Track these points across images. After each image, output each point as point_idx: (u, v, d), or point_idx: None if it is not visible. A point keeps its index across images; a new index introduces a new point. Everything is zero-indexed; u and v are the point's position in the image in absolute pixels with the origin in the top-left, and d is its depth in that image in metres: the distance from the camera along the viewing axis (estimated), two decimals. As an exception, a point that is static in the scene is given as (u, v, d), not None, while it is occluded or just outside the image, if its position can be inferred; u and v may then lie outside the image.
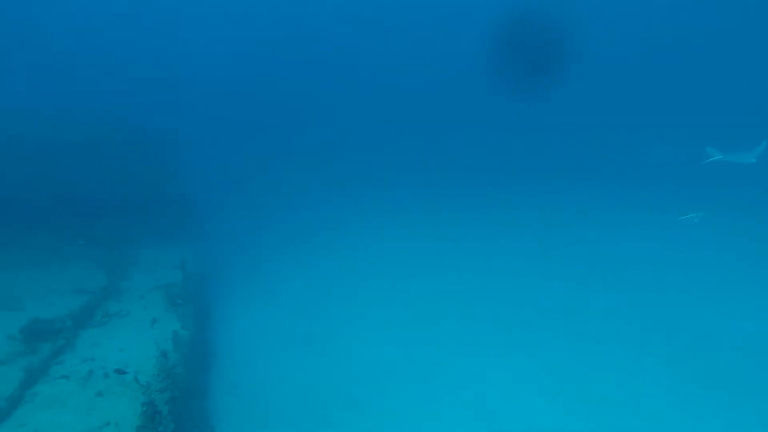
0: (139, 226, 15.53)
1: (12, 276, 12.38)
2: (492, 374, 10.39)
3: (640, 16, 44.51)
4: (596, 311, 13.68)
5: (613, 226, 23.10)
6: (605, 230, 22.65)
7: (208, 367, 10.22)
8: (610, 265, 17.85)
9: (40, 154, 16.13)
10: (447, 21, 44.53)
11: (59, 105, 18.38)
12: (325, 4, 41.31)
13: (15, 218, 15.16)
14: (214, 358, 11.02)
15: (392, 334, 12.58)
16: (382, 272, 18.28)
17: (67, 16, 34.68)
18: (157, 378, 5.75)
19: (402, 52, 48.92)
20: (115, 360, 7.09)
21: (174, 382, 5.82)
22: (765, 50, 41.43)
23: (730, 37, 42.41)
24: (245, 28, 42.75)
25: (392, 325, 13.14)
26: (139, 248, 14.80)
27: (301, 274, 18.34)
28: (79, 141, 16.75)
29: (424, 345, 11.86)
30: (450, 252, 20.59)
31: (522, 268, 17.84)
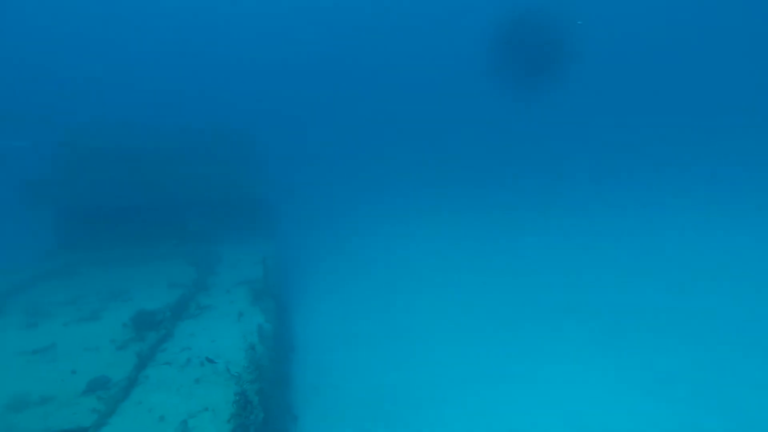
0: (222, 224, 16.78)
1: (121, 271, 13.91)
2: (585, 378, 10.02)
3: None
4: (698, 311, 12.78)
5: (709, 223, 21.43)
6: (702, 227, 21.07)
7: (288, 360, 10.86)
8: (708, 263, 16.59)
9: (138, 162, 17.85)
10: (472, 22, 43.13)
11: (151, 114, 20.07)
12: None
13: (121, 221, 17.01)
14: (293, 351, 11.69)
15: (467, 332, 12.56)
16: (449, 269, 18.31)
17: (160, 32, 37.83)
18: (247, 369, 6.25)
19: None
20: (208, 350, 7.77)
21: (261, 374, 6.31)
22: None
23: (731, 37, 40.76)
24: (324, 34, 44.11)
25: (466, 323, 13.12)
26: (223, 245, 15.99)
27: (369, 271, 18.86)
28: (171, 148, 18.32)
29: (503, 345, 11.72)
30: (526, 250, 20.14)
31: (603, 266, 17.05)
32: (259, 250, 15.78)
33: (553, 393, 9.35)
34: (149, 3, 35.34)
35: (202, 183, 17.74)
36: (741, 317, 12.47)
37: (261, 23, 41.05)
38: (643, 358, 10.52)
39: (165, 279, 12.74)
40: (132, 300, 11.16)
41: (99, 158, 17.67)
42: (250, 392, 5.24)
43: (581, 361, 10.51)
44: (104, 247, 16.60)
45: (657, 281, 15.64)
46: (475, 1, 39.33)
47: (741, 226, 22.08)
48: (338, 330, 13.31)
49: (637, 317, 12.78)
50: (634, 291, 14.85)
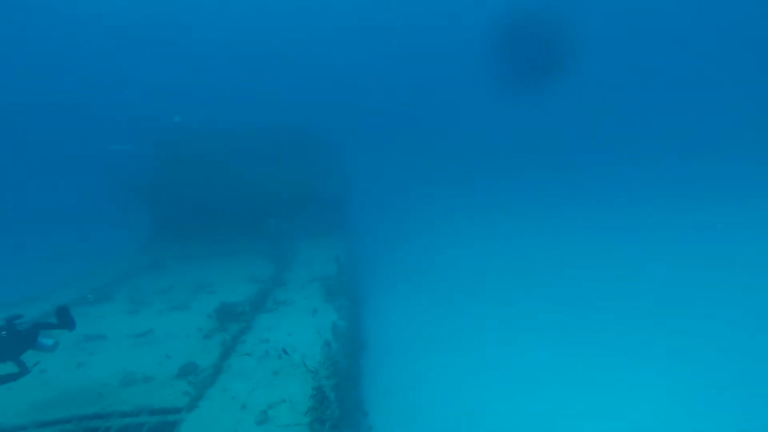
0: (298, 222, 17.48)
1: (205, 265, 14.94)
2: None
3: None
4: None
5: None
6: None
7: (359, 356, 11.08)
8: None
9: (221, 164, 19.07)
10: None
11: (234, 117, 21.32)
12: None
13: (206, 219, 18.29)
14: (364, 348, 11.90)
15: (536, 334, 12.10)
16: (526, 268, 17.81)
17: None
18: (324, 365, 6.46)
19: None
20: (285, 343, 8.11)
21: (337, 370, 6.50)
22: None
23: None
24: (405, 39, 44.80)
25: (534, 325, 12.65)
26: (298, 242, 16.66)
27: (438, 270, 18.76)
28: (252, 150, 19.37)
29: (576, 347, 11.14)
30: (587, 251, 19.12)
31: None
32: (332, 248, 16.24)
33: (628, 398, 8.80)
34: (230, 10, 37.66)
35: (279, 183, 18.62)
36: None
37: (335, 28, 42.33)
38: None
39: (245, 274, 13.52)
40: (215, 293, 11.96)
41: (188, 161, 19.08)
42: (327, 388, 5.41)
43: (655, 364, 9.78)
44: (190, 242, 17.93)
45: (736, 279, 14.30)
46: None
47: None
48: (408, 328, 13.40)
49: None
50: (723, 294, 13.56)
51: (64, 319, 6.15)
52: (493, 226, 26.77)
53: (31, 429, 5.72)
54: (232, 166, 18.94)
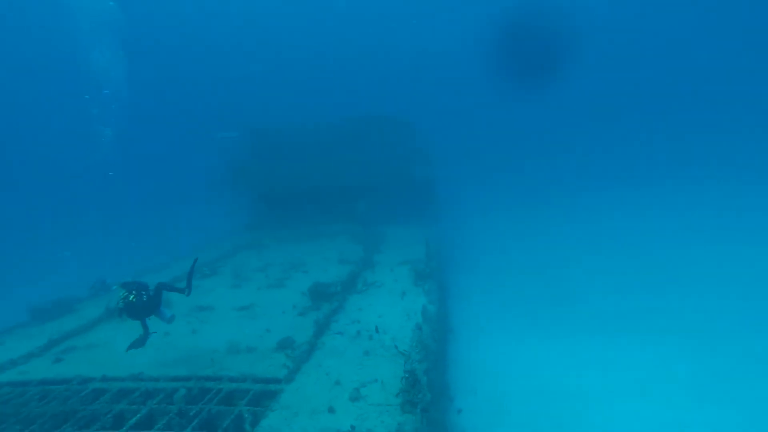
0: (387, 206, 17.73)
1: (300, 246, 15.72)
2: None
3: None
4: None
5: None
6: None
7: (447, 341, 11.02)
8: None
9: (315, 150, 19.84)
10: None
11: (329, 104, 21.99)
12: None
13: (301, 203, 19.22)
14: (451, 333, 11.81)
15: (630, 333, 11.16)
16: (609, 260, 16.63)
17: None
18: (416, 349, 6.51)
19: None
20: (375, 324, 8.31)
21: (428, 354, 6.51)
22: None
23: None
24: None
25: (648, 320, 11.67)
26: (387, 226, 16.90)
27: (525, 257, 18.12)
28: (344, 136, 19.93)
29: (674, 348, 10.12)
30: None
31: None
32: (421, 232, 16.27)
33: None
34: (330, 7, 38.73)
35: (370, 168, 18.99)
36: None
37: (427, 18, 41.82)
38: None
39: (336, 255, 14.02)
40: (308, 272, 12.55)
41: (284, 147, 20.11)
42: (419, 371, 5.44)
43: None
44: (286, 225, 18.98)
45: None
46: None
47: None
48: (493, 315, 13.14)
49: None
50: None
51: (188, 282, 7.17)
52: (586, 213, 25.27)
53: (163, 381, 6.46)
54: (326, 152, 19.62)
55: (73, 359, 7.72)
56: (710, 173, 29.78)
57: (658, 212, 23.68)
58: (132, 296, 6.75)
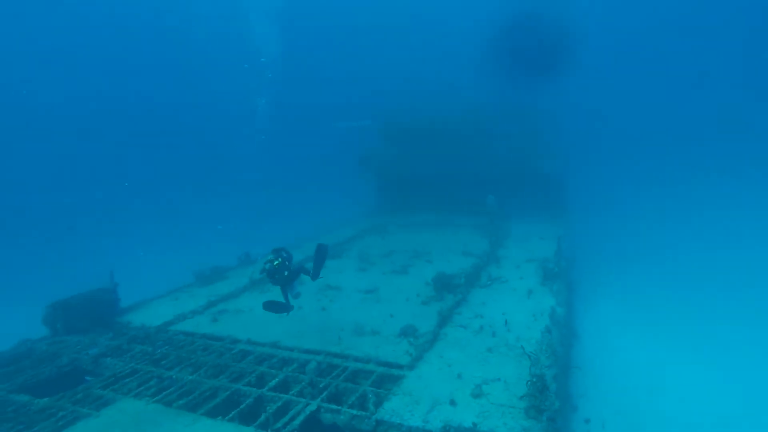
0: (515, 200, 17.00)
1: (423, 235, 15.88)
2: None
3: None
4: None
5: None
6: None
7: (572, 347, 10.30)
8: None
9: (444, 139, 19.74)
10: None
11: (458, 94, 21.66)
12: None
13: (426, 191, 19.37)
14: (577, 338, 11.01)
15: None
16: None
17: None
18: (545, 353, 6.16)
19: None
20: (499, 322, 8.04)
21: (557, 360, 6.13)
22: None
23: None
24: None
25: None
26: (513, 221, 16.23)
27: (660, 261, 16.25)
28: (474, 125, 19.51)
29: None
30: None
31: None
32: (550, 229, 15.33)
33: None
34: None
35: (500, 160, 18.37)
36: None
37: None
38: None
39: (460, 247, 13.88)
40: (432, 262, 12.61)
41: (415, 135, 20.37)
42: (549, 377, 5.13)
43: None
44: (411, 212, 19.31)
45: None
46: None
47: None
48: (623, 321, 11.98)
49: None
50: None
51: (318, 261, 7.80)
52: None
53: (296, 352, 7.08)
54: (456, 141, 19.43)
55: (225, 321, 8.83)
56: None
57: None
58: (277, 262, 7.46)
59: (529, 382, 5.17)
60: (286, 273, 7.50)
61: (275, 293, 8.46)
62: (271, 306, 7.52)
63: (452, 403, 5.46)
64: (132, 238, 26.02)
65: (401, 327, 7.79)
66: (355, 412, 5.36)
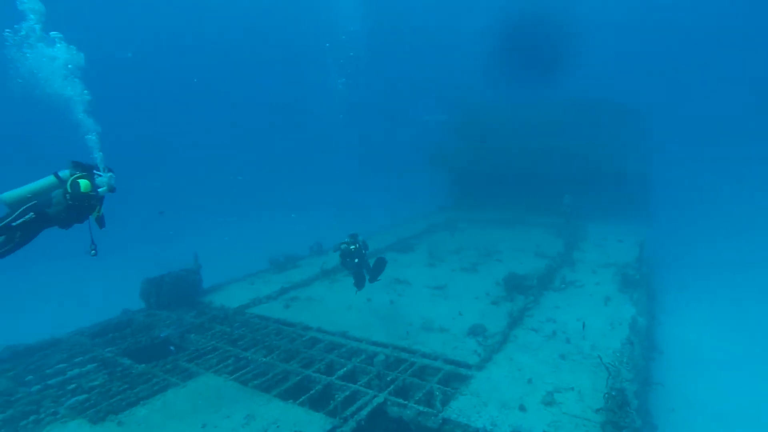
0: (594, 200, 16.10)
1: (494, 233, 15.50)
2: None
3: None
4: None
5: None
6: None
7: (653, 361, 9.58)
8: None
9: (520, 135, 19.08)
10: None
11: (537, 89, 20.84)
12: None
13: (498, 188, 18.84)
14: (659, 353, 10.23)
15: None
16: None
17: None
18: (626, 366, 5.80)
19: None
20: (573, 328, 7.68)
21: (638, 374, 5.74)
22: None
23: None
24: None
25: None
26: (590, 222, 15.38)
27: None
28: (551, 121, 18.67)
29: None
30: None
31: None
32: (630, 232, 14.39)
33: None
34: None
35: (578, 157, 17.45)
36: None
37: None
38: None
39: (532, 247, 13.38)
40: (503, 261, 12.28)
41: (490, 131, 19.88)
42: (630, 392, 4.81)
43: None
44: (482, 209, 18.90)
45: None
46: None
47: None
48: (713, 336, 10.90)
49: None
50: None
51: (376, 270, 8.02)
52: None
53: (365, 343, 7.22)
54: (532, 137, 18.72)
55: (297, 307, 9.19)
56: None
57: None
58: (354, 247, 7.72)
59: (606, 396, 4.90)
60: (356, 260, 7.74)
61: (345, 283, 8.70)
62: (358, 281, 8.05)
63: (522, 408, 5.31)
64: (216, 221, 27.81)
65: (470, 326, 7.68)
66: (421, 408, 5.37)
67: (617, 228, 15.16)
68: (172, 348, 7.64)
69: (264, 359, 6.77)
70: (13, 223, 4.44)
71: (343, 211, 26.25)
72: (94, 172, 4.95)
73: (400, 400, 5.56)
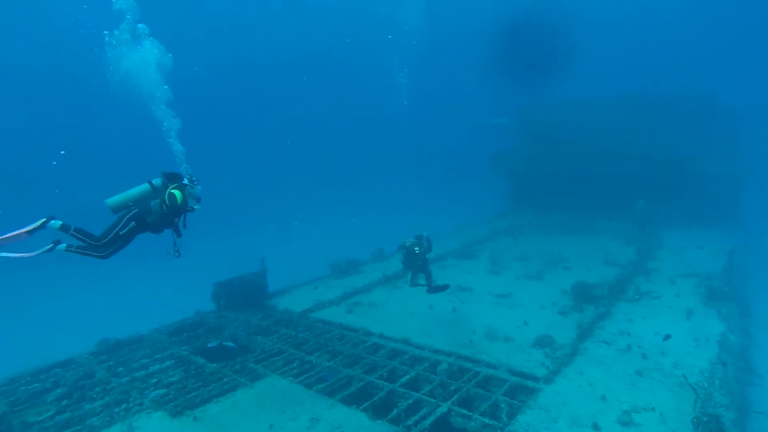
0: (671, 205, 14.99)
1: (560, 239, 14.86)
2: None
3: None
4: None
5: None
6: None
7: (751, 385, 8.68)
8: None
9: (586, 135, 18.18)
10: None
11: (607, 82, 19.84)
12: None
13: (564, 192, 18.01)
14: (755, 376, 9.25)
15: None
16: None
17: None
18: (720, 390, 5.30)
19: None
20: (650, 342, 7.16)
21: (734, 400, 5.22)
22: None
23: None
24: None
25: None
26: (667, 228, 14.31)
27: None
28: (622, 119, 17.61)
29: None
30: None
31: None
32: (714, 240, 13.24)
33: None
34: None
35: (653, 158, 16.31)
36: None
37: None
38: None
39: (601, 254, 12.66)
40: (570, 269, 11.71)
41: (552, 134, 19.14)
42: (726, 420, 4.35)
43: None
44: (546, 214, 18.15)
45: None
46: None
47: None
48: None
49: None
50: None
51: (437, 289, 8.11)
52: None
53: (427, 351, 7.14)
54: (599, 138, 17.76)
55: (359, 313, 9.27)
56: None
57: None
58: (417, 249, 7.71)
59: (696, 421, 4.49)
60: (419, 263, 7.74)
61: (407, 290, 8.67)
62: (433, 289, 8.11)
63: (595, 427, 5.01)
64: (282, 225, 28.76)
65: (536, 336, 7.39)
66: (486, 420, 5.21)
67: (698, 235, 14.02)
68: (232, 344, 7.96)
69: (327, 363, 6.88)
70: (121, 232, 5.16)
71: (405, 215, 26.22)
72: (184, 182, 5.53)
73: (465, 411, 5.43)
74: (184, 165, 5.97)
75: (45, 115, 37.09)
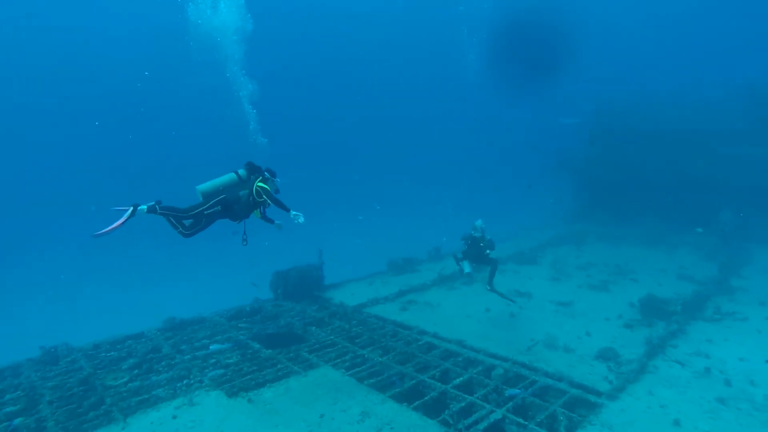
0: (761, 217, 13.63)
1: (627, 250, 13.99)
2: None
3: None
4: None
5: None
6: None
7: None
8: None
9: (663, 140, 16.94)
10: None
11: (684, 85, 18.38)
12: None
13: (635, 199, 16.93)
14: None
15: None
16: None
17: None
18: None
19: None
20: (734, 368, 6.51)
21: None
22: None
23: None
24: None
25: None
26: (756, 244, 13.03)
27: None
28: (705, 123, 16.23)
29: None
30: None
31: None
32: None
33: None
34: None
35: (741, 165, 14.87)
36: None
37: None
38: None
39: (674, 268, 11.76)
40: (638, 282, 10.95)
41: (627, 136, 18.02)
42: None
43: None
44: (613, 222, 17.13)
45: None
46: None
47: None
48: None
49: None
50: None
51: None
52: None
53: (482, 354, 6.94)
54: (679, 143, 16.48)
55: (414, 311, 9.18)
56: None
57: None
58: (482, 243, 7.59)
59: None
60: (487, 251, 7.62)
61: (463, 291, 8.48)
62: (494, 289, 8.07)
63: (666, 452, 4.60)
64: (344, 219, 29.22)
65: (599, 348, 6.96)
66: (543, 431, 4.95)
67: None
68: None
69: (380, 359, 6.85)
70: (206, 212, 5.51)
71: (464, 215, 25.69)
72: (266, 175, 5.91)
73: (520, 420, 5.18)
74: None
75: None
